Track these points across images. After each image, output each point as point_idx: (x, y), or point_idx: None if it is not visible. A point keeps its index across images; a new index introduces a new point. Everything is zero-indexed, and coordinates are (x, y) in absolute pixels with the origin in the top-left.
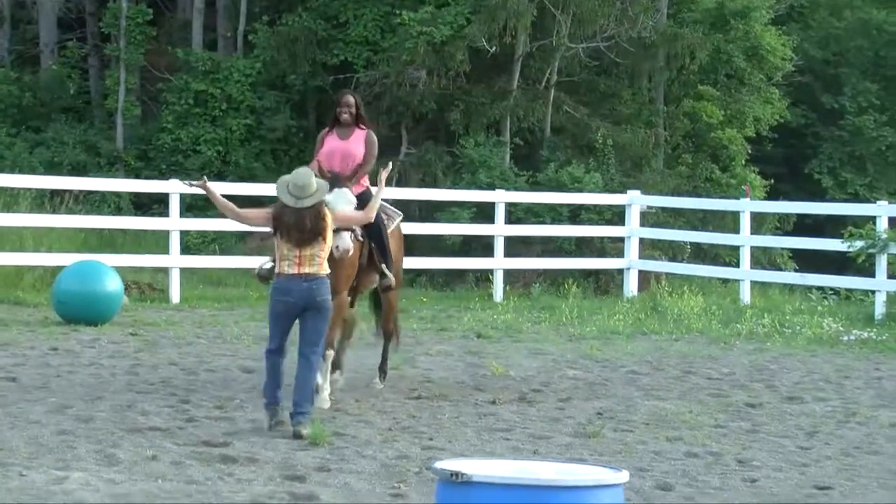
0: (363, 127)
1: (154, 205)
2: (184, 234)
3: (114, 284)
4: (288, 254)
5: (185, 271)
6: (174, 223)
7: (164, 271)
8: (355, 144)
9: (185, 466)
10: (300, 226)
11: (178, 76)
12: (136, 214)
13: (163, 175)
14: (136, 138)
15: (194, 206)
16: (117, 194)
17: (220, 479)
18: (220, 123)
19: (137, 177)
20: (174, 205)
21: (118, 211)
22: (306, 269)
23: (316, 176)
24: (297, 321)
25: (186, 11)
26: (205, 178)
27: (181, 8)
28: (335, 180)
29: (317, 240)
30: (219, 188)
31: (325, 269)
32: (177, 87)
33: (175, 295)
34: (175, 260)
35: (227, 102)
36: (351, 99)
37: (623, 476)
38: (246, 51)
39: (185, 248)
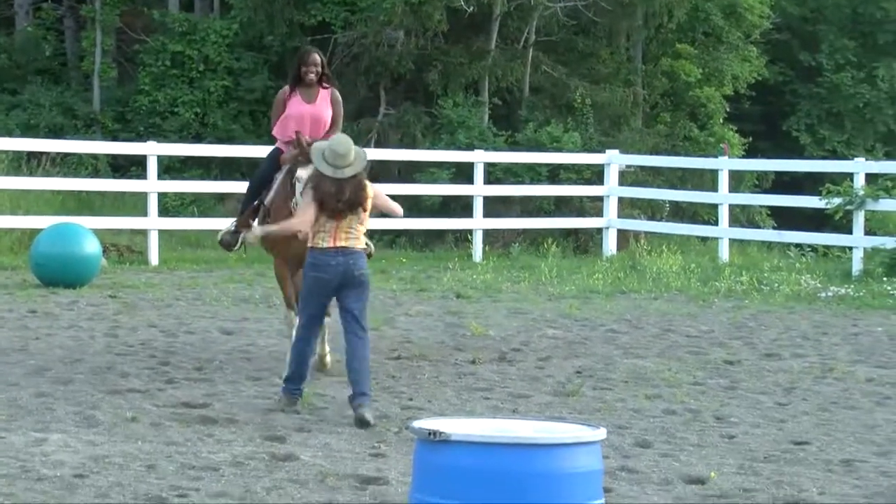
0: (326, 86)
1: (132, 167)
2: (162, 196)
3: (92, 247)
4: (323, 225)
5: (163, 233)
6: (152, 185)
7: (143, 233)
8: (323, 107)
9: (165, 428)
10: (338, 195)
11: (155, 37)
12: (113, 177)
13: (140, 137)
14: (112, 100)
15: (172, 168)
16: (94, 156)
17: (199, 441)
18: (198, 85)
19: (115, 139)
20: (152, 167)
21: (96, 173)
22: (342, 242)
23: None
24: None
25: None
26: (252, 224)
27: None
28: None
29: (356, 211)
30: (197, 150)
31: (362, 243)
32: (153, 49)
33: (154, 257)
34: (153, 222)
35: (204, 64)
36: (317, 57)
37: (601, 433)
38: (223, 11)
39: (164, 210)
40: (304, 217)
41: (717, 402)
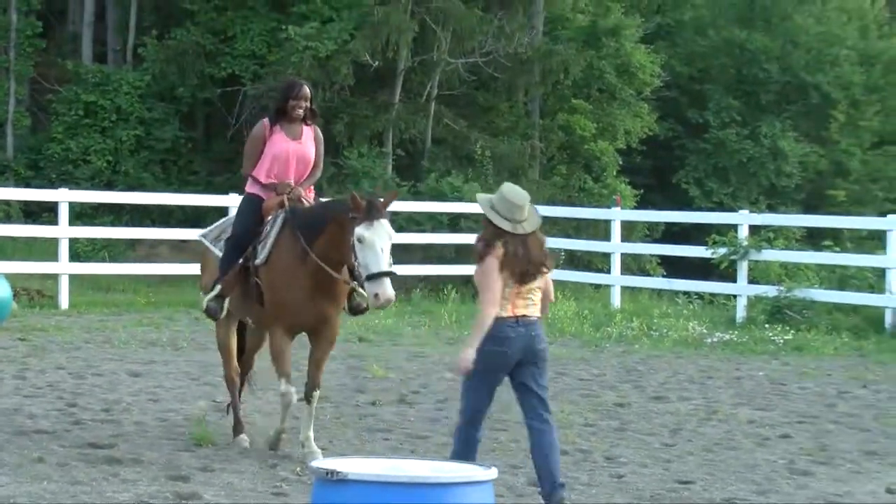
0: (309, 123)
1: (44, 213)
2: (73, 242)
3: (2, 291)
4: (504, 291)
5: (74, 278)
6: (63, 231)
7: (54, 278)
8: (308, 145)
9: (71, 468)
10: (529, 257)
11: (69, 87)
12: (25, 222)
13: (53, 184)
14: (26, 148)
15: (84, 214)
16: (7, 202)
17: (104, 480)
18: (110, 134)
19: (27, 186)
20: (63, 213)
21: (8, 219)
22: (521, 311)
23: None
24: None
25: (76, 24)
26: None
27: (71, 21)
28: (371, 209)
29: (541, 273)
30: (108, 197)
31: (539, 311)
32: (67, 99)
33: (64, 301)
34: (64, 267)
35: (116, 113)
36: (307, 91)
37: (492, 473)
38: (135, 63)
39: (75, 256)
40: (496, 288)
41: (607, 443)
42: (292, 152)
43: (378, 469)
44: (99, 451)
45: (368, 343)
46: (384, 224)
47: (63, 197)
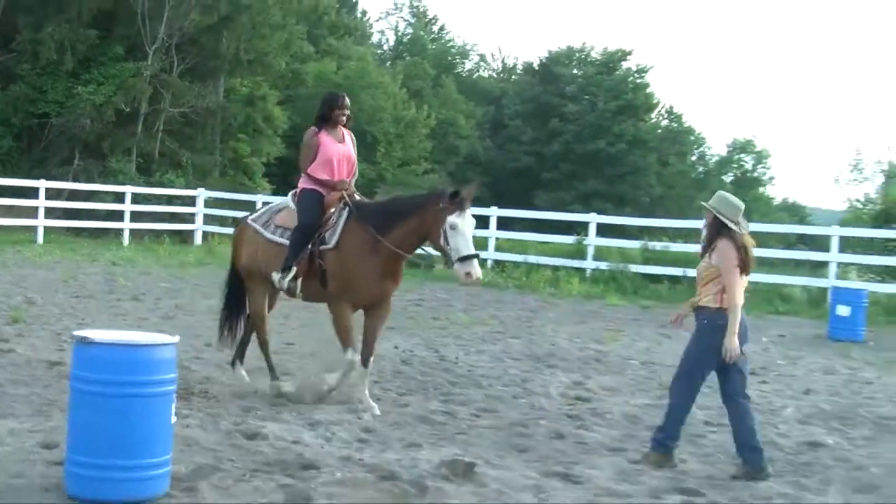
0: (346, 127)
1: None
2: None
3: None
4: (715, 287)
5: None
6: None
7: None
8: (351, 147)
9: None
10: (751, 253)
11: None
12: None
13: None
14: None
15: None
16: None
17: None
18: None
19: None
20: None
21: None
22: (742, 301)
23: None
24: None
25: None
26: (731, 351)
27: None
28: (463, 202)
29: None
30: None
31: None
32: None
33: None
34: None
35: None
36: (348, 101)
37: (175, 339)
38: None
39: None
40: (740, 282)
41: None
42: (343, 154)
43: (113, 337)
44: None
45: (118, 266)
46: (470, 214)
47: None
